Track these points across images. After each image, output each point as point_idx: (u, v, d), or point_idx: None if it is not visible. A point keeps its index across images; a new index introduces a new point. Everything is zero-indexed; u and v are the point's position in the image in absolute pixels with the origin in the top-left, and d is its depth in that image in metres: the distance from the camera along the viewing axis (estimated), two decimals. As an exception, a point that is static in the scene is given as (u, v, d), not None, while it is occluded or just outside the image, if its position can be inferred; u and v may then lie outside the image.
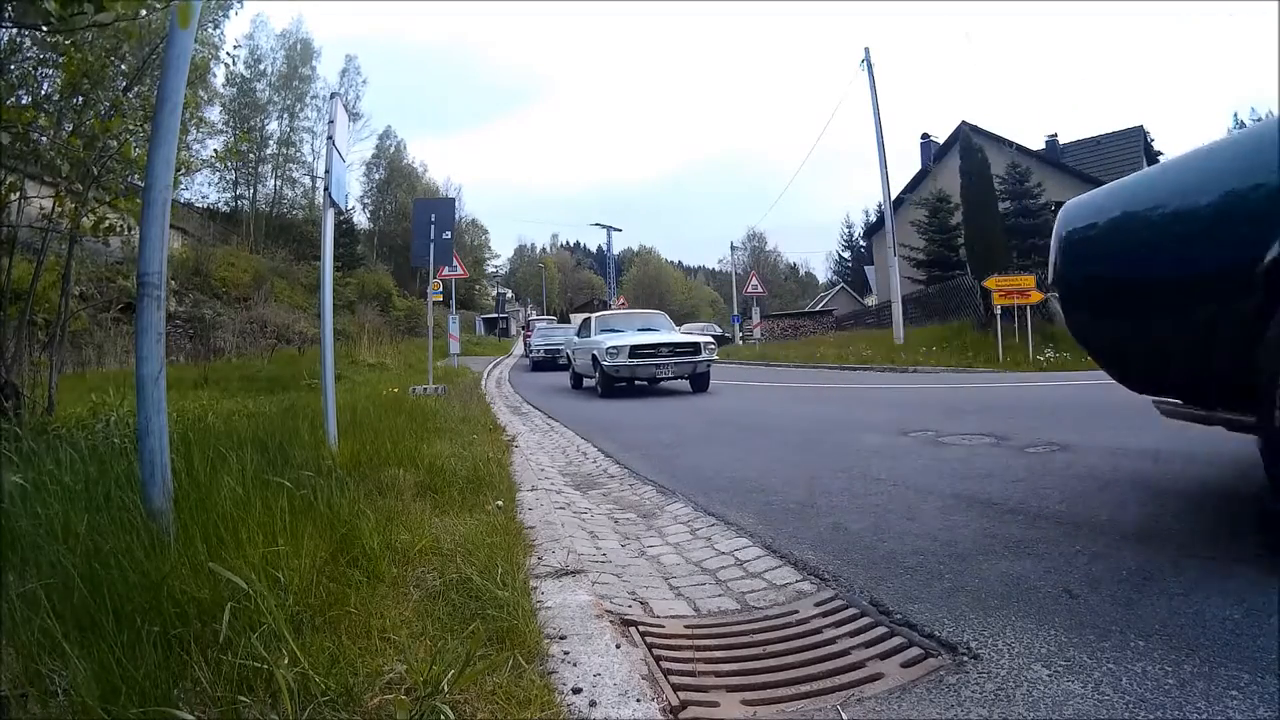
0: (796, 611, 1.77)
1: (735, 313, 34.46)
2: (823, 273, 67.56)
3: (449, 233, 9.44)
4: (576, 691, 1.29)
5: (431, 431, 4.33)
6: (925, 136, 27.85)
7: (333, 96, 4.13)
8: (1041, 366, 12.92)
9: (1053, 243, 2.40)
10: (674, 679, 1.42)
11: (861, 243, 49.63)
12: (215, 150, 15.11)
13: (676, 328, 11.33)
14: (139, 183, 3.69)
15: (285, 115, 35.51)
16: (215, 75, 23.78)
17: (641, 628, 1.67)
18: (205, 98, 23.36)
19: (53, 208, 3.85)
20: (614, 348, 8.97)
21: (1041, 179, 19.42)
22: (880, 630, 1.60)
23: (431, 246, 9.04)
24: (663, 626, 1.71)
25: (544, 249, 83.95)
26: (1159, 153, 28.93)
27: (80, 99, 3.92)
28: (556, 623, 1.60)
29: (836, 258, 62.94)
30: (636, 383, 9.63)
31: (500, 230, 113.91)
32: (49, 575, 1.46)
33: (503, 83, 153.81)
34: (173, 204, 2.01)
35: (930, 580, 1.88)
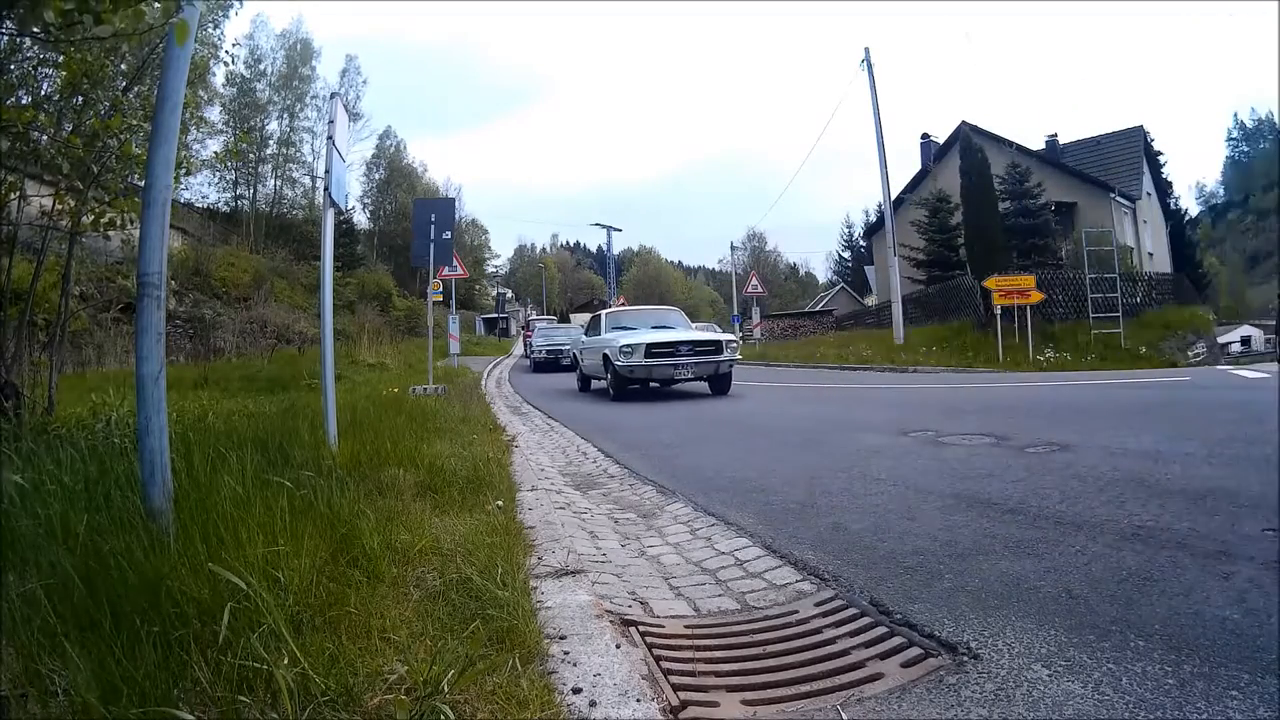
0: (796, 611, 1.77)
1: (735, 313, 34.45)
2: (823, 273, 67.58)
3: (449, 233, 9.43)
4: (576, 691, 1.29)
5: (431, 431, 4.33)
6: (925, 136, 27.83)
7: (333, 96, 4.13)
8: (1041, 366, 12.93)
9: None
10: (674, 679, 1.42)
11: (861, 243, 49.64)
12: (215, 151, 15.11)
13: (693, 325, 10.46)
14: (139, 182, 3.69)
15: (285, 115, 35.48)
16: (215, 75, 23.76)
17: (641, 628, 1.67)
18: (205, 98, 23.34)
19: (53, 206, 3.85)
20: (628, 346, 8.20)
21: (1041, 179, 19.41)
22: (880, 630, 1.60)
23: (431, 246, 9.04)
24: (663, 626, 1.71)
25: (544, 249, 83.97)
26: (1159, 153, 28.99)
27: (80, 99, 3.92)
28: (556, 623, 1.60)
29: (836, 258, 62.95)
30: (651, 385, 8.91)
31: (500, 230, 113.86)
32: (49, 575, 1.46)
33: (503, 83, 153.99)
34: (173, 204, 2.01)
35: (930, 580, 1.88)
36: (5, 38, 3.10)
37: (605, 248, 49.11)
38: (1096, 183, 23.00)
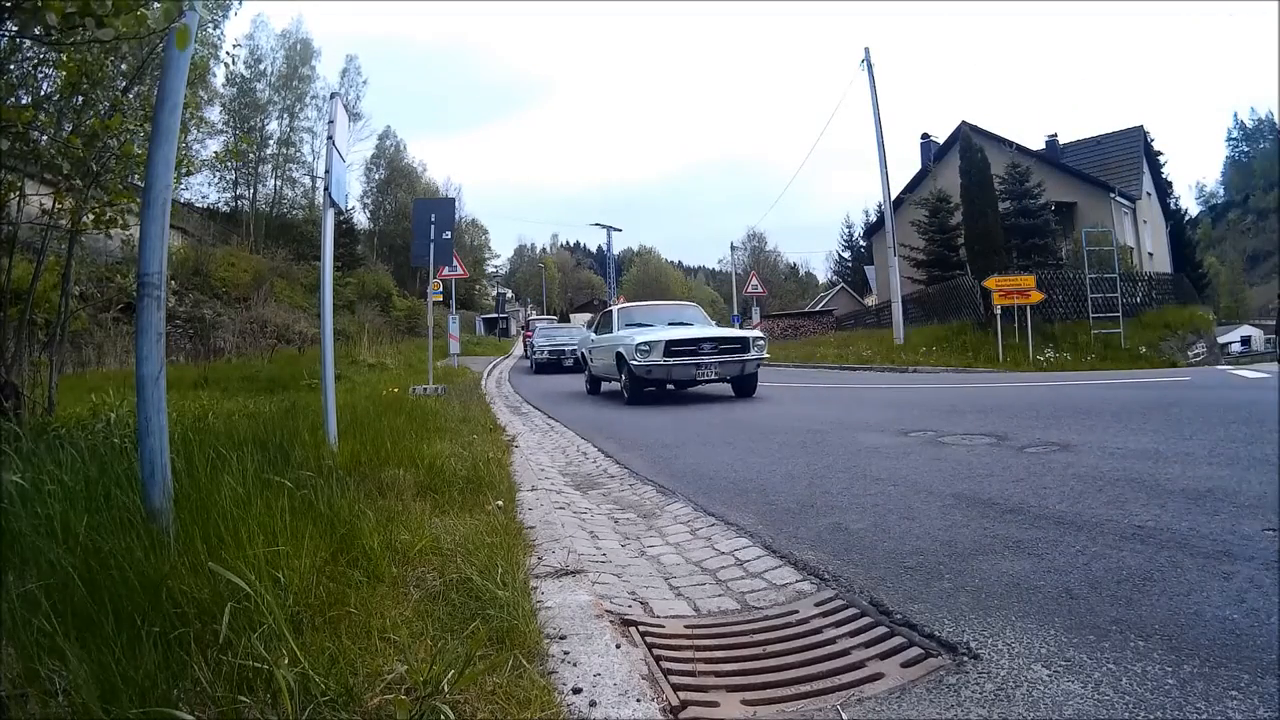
0: (796, 611, 1.77)
1: (735, 313, 34.43)
2: (823, 273, 67.55)
3: (449, 233, 9.44)
4: (576, 691, 1.29)
5: (431, 431, 4.33)
6: (925, 136, 27.83)
7: (333, 96, 4.13)
8: (1041, 366, 12.93)
9: None
10: (674, 679, 1.42)
11: (861, 243, 49.61)
12: (215, 151, 15.11)
13: (712, 321, 9.65)
14: (139, 182, 3.69)
15: (285, 115, 35.47)
16: (215, 75, 23.79)
17: (641, 628, 1.67)
18: (205, 98, 23.39)
19: (53, 205, 3.85)
20: (645, 344, 7.46)
21: (1041, 179, 19.41)
22: (880, 630, 1.60)
23: (431, 246, 9.04)
24: (663, 626, 1.71)
25: (544, 249, 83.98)
26: (1159, 153, 28.99)
27: (80, 99, 3.92)
28: (556, 623, 1.60)
29: (836, 258, 62.91)
30: (668, 387, 8.21)
31: (500, 230, 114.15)
32: (49, 575, 1.46)
33: (503, 83, 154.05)
34: (173, 204, 2.01)
35: (930, 580, 1.88)
36: (5, 38, 3.11)
37: (605, 248, 49.09)
38: (1096, 183, 23.01)
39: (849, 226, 63.11)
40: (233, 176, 33.19)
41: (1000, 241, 17.05)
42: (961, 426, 4.57)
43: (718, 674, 1.46)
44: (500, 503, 2.74)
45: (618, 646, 1.50)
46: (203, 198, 31.44)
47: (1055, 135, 27.28)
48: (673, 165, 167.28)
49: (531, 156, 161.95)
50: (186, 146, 4.53)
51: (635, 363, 7.51)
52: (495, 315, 49.42)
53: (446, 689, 1.21)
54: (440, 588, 1.76)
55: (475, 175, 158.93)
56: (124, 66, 4.21)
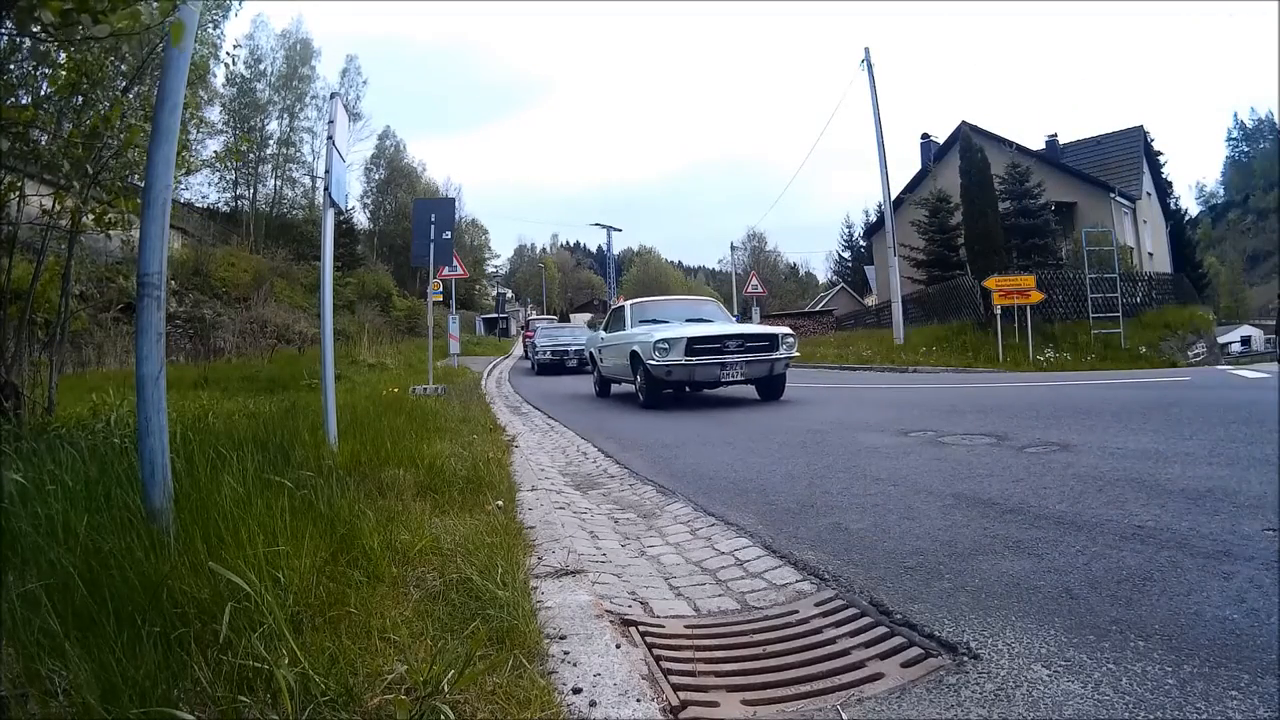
0: (796, 611, 1.77)
1: (735, 313, 34.43)
2: (823, 273, 67.54)
3: (449, 233, 9.44)
4: (576, 691, 1.29)
5: (431, 431, 4.33)
6: (925, 136, 27.84)
7: (333, 96, 4.13)
8: (1041, 366, 12.94)
9: None
10: (674, 679, 1.42)
11: (861, 243, 49.61)
12: (215, 151, 15.12)
13: (733, 318, 8.90)
14: (139, 183, 3.69)
15: (285, 115, 35.47)
16: (215, 75, 23.76)
17: (641, 628, 1.67)
18: (205, 98, 23.36)
19: (53, 205, 3.85)
20: (664, 341, 6.81)
21: (1041, 179, 19.41)
22: (880, 630, 1.60)
23: (431, 246, 9.04)
24: (663, 626, 1.71)
25: (544, 249, 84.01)
26: (1159, 153, 29.00)
27: (80, 99, 3.92)
28: (556, 623, 1.60)
29: (836, 258, 62.91)
30: (688, 389, 7.54)
31: (500, 230, 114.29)
32: (49, 575, 1.46)
33: (503, 83, 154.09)
34: (173, 204, 2.01)
35: (930, 580, 1.88)
36: (5, 38, 3.11)
37: (605, 248, 49.09)
38: (1096, 183, 23.01)
39: (849, 226, 63.15)
40: (233, 176, 33.18)
41: (1000, 241, 17.06)
42: (961, 426, 4.57)
43: (718, 674, 1.46)
44: (500, 503, 2.74)
45: (618, 646, 1.50)
46: (203, 198, 31.46)
47: (1055, 135, 27.30)
48: (673, 165, 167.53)
49: (531, 156, 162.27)
50: (186, 146, 4.53)
51: (653, 362, 6.85)
52: (495, 315, 49.42)
53: (446, 689, 1.21)
54: (440, 588, 1.76)
55: (475, 175, 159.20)
56: (124, 67, 4.21)
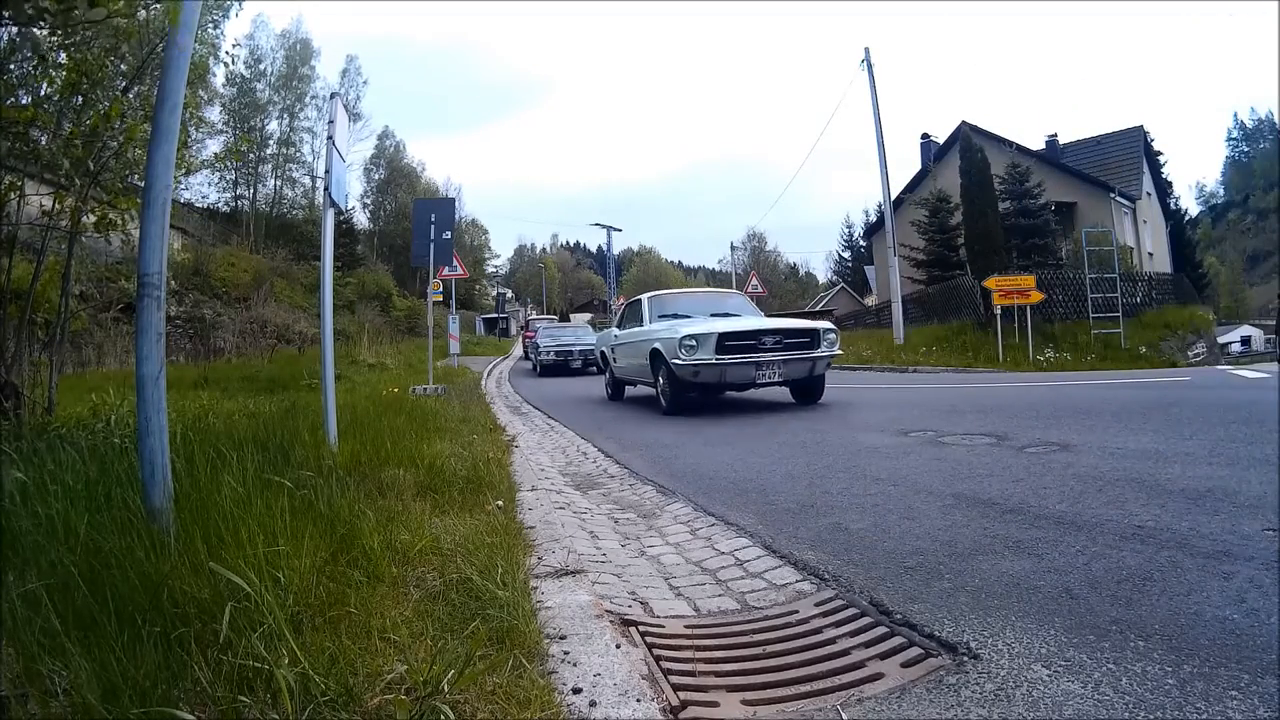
0: (796, 611, 1.77)
1: (735, 313, 34.35)
2: (823, 273, 67.54)
3: (449, 233, 9.44)
4: (576, 691, 1.29)
5: (431, 431, 4.33)
6: (925, 136, 27.84)
7: (333, 96, 4.13)
8: (1041, 366, 12.94)
9: None
10: (674, 679, 1.42)
11: (861, 243, 49.61)
12: (215, 152, 15.11)
13: (761, 312, 7.97)
14: (139, 183, 3.69)
15: (285, 115, 35.47)
16: (215, 75, 23.79)
17: (641, 628, 1.67)
18: (205, 98, 23.39)
19: (53, 206, 3.85)
20: (692, 338, 6.04)
21: (1041, 179, 19.41)
22: (880, 630, 1.60)
23: (431, 246, 9.05)
24: (663, 626, 1.71)
25: (544, 249, 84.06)
26: (1159, 153, 29.00)
27: (80, 99, 3.92)
28: (556, 623, 1.60)
29: (836, 258, 62.94)
30: (716, 391, 6.64)
31: (500, 230, 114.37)
32: (49, 575, 1.46)
33: (503, 83, 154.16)
34: (173, 204, 2.01)
35: (930, 580, 1.88)
36: (5, 38, 3.11)
37: (605, 248, 49.05)
38: (1096, 183, 23.01)
39: (849, 226, 63.19)
40: (233, 176, 33.19)
41: (1000, 241, 17.06)
42: (961, 426, 4.57)
43: (718, 674, 1.46)
44: (500, 503, 2.74)
45: (618, 646, 1.50)
46: (203, 198, 31.47)
47: (1055, 135, 27.31)
48: (673, 165, 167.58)
49: (531, 156, 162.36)
50: (186, 146, 4.52)
51: (679, 362, 6.05)
52: (495, 315, 49.43)
53: (446, 689, 1.21)
54: (440, 588, 1.76)
55: (475, 175, 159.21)
56: (124, 67, 4.21)
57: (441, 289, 14.36)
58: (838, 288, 45.36)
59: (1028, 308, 14.17)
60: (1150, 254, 25.02)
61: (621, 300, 41.64)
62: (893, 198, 18.25)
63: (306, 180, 35.03)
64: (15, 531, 1.70)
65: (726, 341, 6.08)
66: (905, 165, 50.59)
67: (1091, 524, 2.24)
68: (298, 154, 35.66)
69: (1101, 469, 3.01)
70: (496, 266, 64.63)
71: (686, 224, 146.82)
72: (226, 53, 5.88)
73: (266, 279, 23.43)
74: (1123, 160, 25.37)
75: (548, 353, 16.21)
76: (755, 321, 6.75)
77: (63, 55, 3.79)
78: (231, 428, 3.58)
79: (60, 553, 1.56)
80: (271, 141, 34.66)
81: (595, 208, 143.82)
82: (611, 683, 1.33)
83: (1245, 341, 41.79)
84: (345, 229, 32.50)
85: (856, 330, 23.73)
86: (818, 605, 1.79)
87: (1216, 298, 41.76)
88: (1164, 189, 29.97)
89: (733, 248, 46.83)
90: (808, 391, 6.65)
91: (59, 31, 2.97)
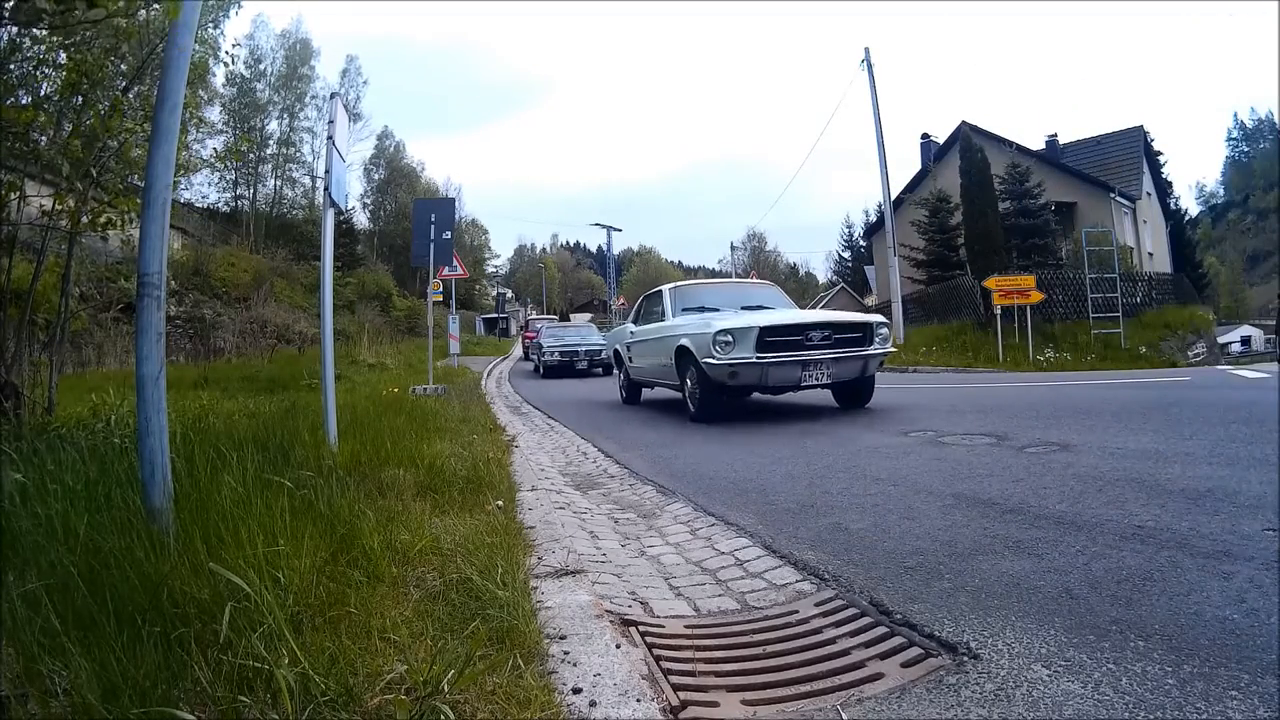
0: (796, 611, 1.77)
1: (735, 313, 34.32)
2: (823, 273, 67.41)
3: (449, 233, 9.44)
4: (576, 691, 1.29)
5: (431, 431, 4.33)
6: (925, 136, 27.84)
7: (333, 96, 4.13)
8: (1041, 366, 12.95)
9: None
10: (674, 679, 1.42)
11: (861, 243, 49.56)
12: (215, 150, 15.12)
13: (795, 304, 7.13)
14: (139, 183, 3.69)
15: (285, 115, 35.47)
16: (215, 75, 23.81)
17: (641, 628, 1.67)
18: (205, 98, 23.40)
19: (53, 206, 3.85)
20: (729, 333, 5.28)
21: (1041, 179, 19.42)
22: (880, 630, 1.60)
23: (431, 246, 9.05)
24: (663, 626, 1.71)
25: (544, 249, 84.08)
26: (1159, 153, 29.00)
27: (80, 99, 3.93)
28: (556, 623, 1.60)
29: (836, 258, 62.75)
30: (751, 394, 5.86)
31: (500, 230, 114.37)
32: (49, 575, 1.46)
33: (503, 83, 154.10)
34: (173, 204, 2.01)
35: (930, 580, 1.88)
36: (5, 38, 3.11)
37: (605, 248, 49.12)
38: (1096, 183, 23.01)
39: (849, 226, 63.00)
40: (233, 176, 33.20)
41: (1000, 241, 17.07)
42: (961, 426, 4.57)
43: (718, 674, 1.46)
44: (500, 503, 2.74)
45: (618, 646, 1.50)
46: (203, 198, 31.48)
47: (1055, 135, 27.30)
48: (673, 165, 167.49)
49: (531, 156, 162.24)
50: (186, 147, 4.53)
51: (712, 361, 5.26)
52: (495, 315, 49.44)
53: (446, 689, 1.21)
54: (440, 588, 1.76)
55: (475, 175, 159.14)
56: (124, 67, 4.22)
57: (441, 289, 14.36)
58: (838, 288, 45.34)
59: (1028, 308, 14.17)
60: (1150, 254, 25.02)
61: (622, 300, 41.85)
62: (893, 198, 18.27)
63: (306, 180, 35.05)
64: (15, 531, 1.70)
65: (768, 337, 5.29)
66: (905, 165, 50.64)
67: (1091, 524, 2.24)
68: (298, 154, 35.69)
69: (1101, 469, 3.01)
70: (496, 266, 64.70)
71: (686, 224, 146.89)
72: (226, 52, 5.90)
73: (266, 279, 23.43)
74: (1123, 160, 25.37)
75: (552, 353, 15.54)
76: (799, 314, 6.04)
77: (63, 55, 3.79)
78: (231, 428, 3.58)
79: (60, 553, 1.56)
80: (271, 141, 34.67)
81: (595, 208, 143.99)
82: (611, 683, 1.33)
83: (1245, 341, 41.79)
84: (345, 229, 32.50)
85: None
86: (818, 605, 1.79)
87: (1216, 298, 41.76)
88: (1164, 189, 29.97)
89: (733, 248, 46.94)
90: (856, 394, 5.94)
91: (58, 32, 2.98)
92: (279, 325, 20.00)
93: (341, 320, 21.61)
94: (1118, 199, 22.74)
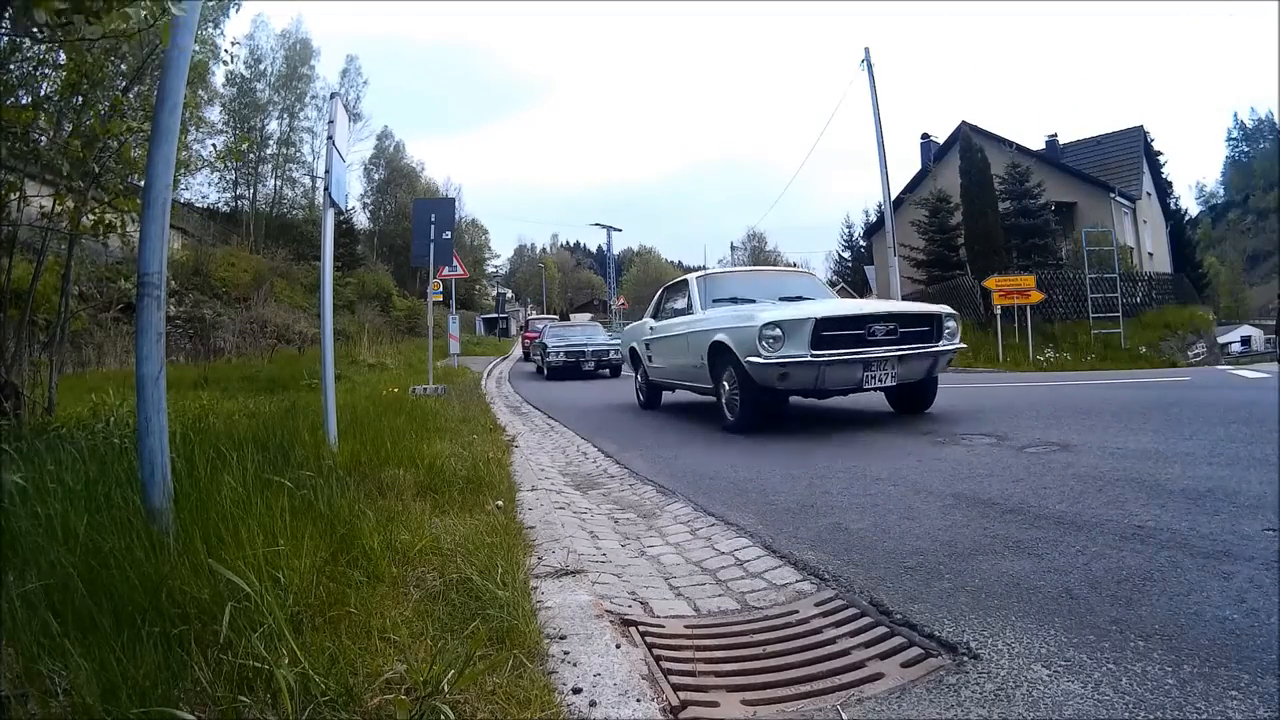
0: (796, 611, 1.77)
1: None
2: (823, 273, 67.24)
3: (449, 233, 9.44)
4: (576, 691, 1.29)
5: (431, 431, 4.33)
6: (925, 136, 27.84)
7: (333, 96, 4.13)
8: (1041, 366, 12.95)
9: None
10: (674, 679, 1.42)
11: (861, 243, 49.51)
12: (214, 146, 15.12)
13: (834, 294, 6.45)
14: (139, 183, 3.69)
15: (285, 115, 35.49)
16: (215, 75, 23.81)
17: (641, 628, 1.67)
18: (205, 98, 23.40)
19: (53, 207, 3.85)
20: (777, 325, 4.54)
21: (1041, 179, 19.43)
22: (880, 630, 1.60)
23: (431, 246, 9.05)
24: (663, 626, 1.71)
25: (544, 249, 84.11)
26: (1159, 153, 29.00)
27: (80, 99, 3.93)
28: (556, 623, 1.60)
29: (836, 258, 62.72)
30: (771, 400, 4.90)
31: (500, 230, 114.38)
32: (49, 575, 1.46)
33: (503, 83, 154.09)
34: (173, 204, 2.01)
35: (930, 580, 1.88)
36: (5, 38, 3.11)
37: (605, 248, 49.14)
38: (1096, 183, 23.02)
39: (849, 226, 62.95)
40: (233, 176, 33.20)
41: (1000, 241, 17.09)
42: (961, 426, 4.57)
43: (718, 674, 1.46)
44: (500, 503, 2.74)
45: (618, 646, 1.50)
46: (203, 198, 31.48)
47: (1055, 135, 27.31)
48: (673, 165, 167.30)
49: (531, 156, 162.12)
50: (186, 147, 4.53)
51: (758, 360, 4.51)
52: (495, 315, 49.43)
53: (446, 689, 1.21)
54: (440, 588, 1.76)
55: (475, 175, 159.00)
56: (124, 67, 4.22)
57: (441, 289, 14.35)
58: (838, 288, 45.26)
59: (1028, 308, 14.18)
60: (1150, 254, 25.02)
61: (622, 300, 41.79)
62: (893, 198, 18.26)
63: (306, 180, 35.06)
64: (15, 532, 1.70)
65: (825, 331, 4.53)
66: (905, 165, 50.58)
67: (1091, 524, 2.24)
68: (298, 154, 35.69)
69: (1101, 469, 3.01)
70: (496, 266, 64.72)
71: (686, 224, 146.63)
72: (226, 51, 5.88)
73: (266, 279, 23.42)
74: (1123, 160, 25.38)
75: (557, 354, 14.55)
76: (859, 304, 5.28)
77: (62, 55, 3.79)
78: (231, 428, 3.58)
79: (60, 553, 1.56)
80: (271, 141, 34.68)
81: (595, 208, 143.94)
82: (611, 683, 1.33)
83: (1245, 341, 41.78)
84: (345, 229, 32.50)
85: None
86: (818, 605, 1.79)
87: (1216, 298, 41.77)
88: (1164, 189, 29.97)
89: (733, 248, 47.04)
90: (916, 398, 5.20)
91: (60, 43, 2.99)
92: (279, 325, 19.99)
93: (341, 320, 21.61)
94: (1118, 199, 22.75)
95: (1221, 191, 75.84)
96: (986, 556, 2.02)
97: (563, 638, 1.52)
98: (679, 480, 3.48)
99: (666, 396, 7.41)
